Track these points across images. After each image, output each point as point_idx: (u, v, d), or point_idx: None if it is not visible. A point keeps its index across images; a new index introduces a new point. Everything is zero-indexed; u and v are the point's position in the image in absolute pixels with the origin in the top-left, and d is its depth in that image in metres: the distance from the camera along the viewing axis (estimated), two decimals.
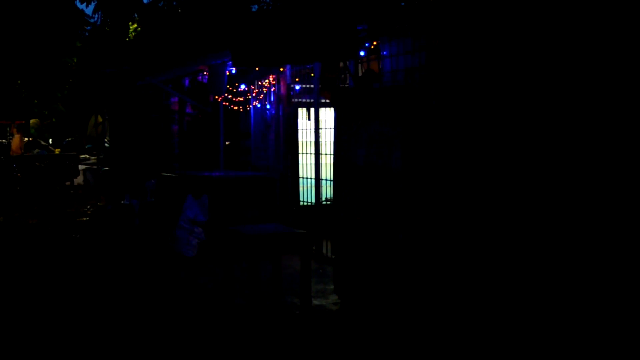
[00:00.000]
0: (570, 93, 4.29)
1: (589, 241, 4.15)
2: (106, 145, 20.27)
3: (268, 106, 9.69)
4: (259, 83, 9.84)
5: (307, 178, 8.96)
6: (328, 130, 8.24)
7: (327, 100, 8.33)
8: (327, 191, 8.54)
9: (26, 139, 22.72)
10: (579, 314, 4.19)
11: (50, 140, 31.50)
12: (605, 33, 4.12)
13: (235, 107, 10.44)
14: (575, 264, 4.22)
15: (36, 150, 20.99)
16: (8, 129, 21.15)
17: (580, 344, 4.16)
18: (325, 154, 8.32)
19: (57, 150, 24.66)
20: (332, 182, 7.96)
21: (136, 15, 19.54)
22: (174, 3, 17.85)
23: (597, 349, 4.06)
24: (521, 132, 4.62)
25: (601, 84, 4.13)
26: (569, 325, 4.23)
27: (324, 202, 8.39)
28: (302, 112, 9.32)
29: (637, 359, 3.89)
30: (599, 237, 4.10)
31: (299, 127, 9.26)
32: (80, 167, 18.17)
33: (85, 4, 19.43)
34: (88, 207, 13.41)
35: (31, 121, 25.32)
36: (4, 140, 22.49)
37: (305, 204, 9.06)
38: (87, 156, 22.58)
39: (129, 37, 20.30)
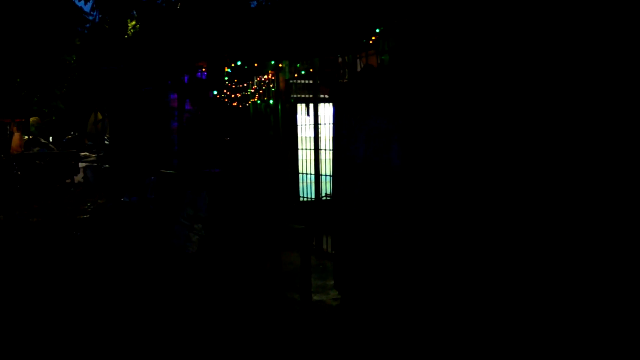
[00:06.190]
0: (567, 90, 4.29)
1: (591, 237, 4.15)
2: (106, 142, 20.28)
3: (269, 102, 9.68)
4: (258, 79, 9.82)
5: (306, 174, 8.95)
6: (327, 125, 8.23)
7: (326, 96, 8.32)
8: (326, 187, 8.53)
9: (26, 137, 22.72)
10: (578, 311, 4.19)
11: (51, 138, 31.51)
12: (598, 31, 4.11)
13: (235, 103, 10.43)
14: (576, 256, 4.22)
15: (36, 149, 20.98)
16: (8, 127, 21.15)
17: (579, 342, 4.16)
18: (325, 150, 8.31)
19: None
20: (331, 178, 7.95)
21: (135, 12, 19.54)
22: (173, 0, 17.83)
23: (596, 348, 4.07)
24: (518, 129, 4.61)
25: (599, 82, 4.12)
26: (568, 321, 4.24)
27: (324, 198, 8.39)
28: (301, 107, 9.30)
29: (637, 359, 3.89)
30: (600, 235, 4.10)
31: (298, 123, 9.25)
32: (81, 164, 18.18)
33: (83, 1, 19.46)
34: (88, 204, 13.41)
35: (31, 119, 25.30)
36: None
37: (305, 199, 9.05)
38: (87, 154, 22.59)
39: (127, 34, 20.29)
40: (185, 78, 12.03)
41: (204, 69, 10.92)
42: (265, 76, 9.57)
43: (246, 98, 10.26)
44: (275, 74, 9.33)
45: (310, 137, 8.67)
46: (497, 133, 4.81)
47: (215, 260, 7.60)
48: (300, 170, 9.16)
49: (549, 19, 4.45)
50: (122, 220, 10.15)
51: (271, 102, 9.45)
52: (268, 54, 8.57)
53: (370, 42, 6.84)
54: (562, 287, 4.29)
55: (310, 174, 8.63)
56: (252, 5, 16.56)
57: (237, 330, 5.31)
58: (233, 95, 10.32)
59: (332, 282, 6.32)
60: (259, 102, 9.94)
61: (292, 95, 9.25)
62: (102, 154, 19.25)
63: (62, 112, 27.42)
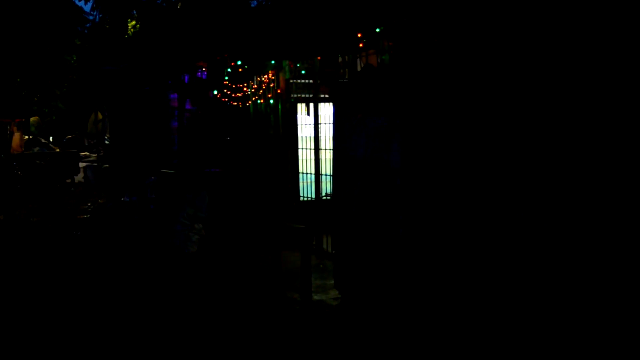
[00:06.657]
0: (565, 89, 4.28)
1: (587, 239, 4.15)
2: (106, 142, 20.28)
3: (269, 102, 9.68)
4: (258, 78, 9.82)
5: (306, 173, 8.95)
6: (327, 125, 8.24)
7: (326, 95, 8.32)
8: (327, 186, 8.53)
9: (26, 136, 22.72)
10: (579, 310, 4.19)
11: (51, 138, 31.50)
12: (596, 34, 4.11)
13: (235, 103, 10.43)
14: (573, 254, 4.22)
15: (36, 148, 20.97)
16: (8, 127, 21.15)
17: (580, 343, 4.16)
18: (325, 149, 8.32)
19: (56, 149, 24.66)
20: (331, 178, 7.95)
21: (135, 12, 19.55)
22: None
23: (597, 349, 4.06)
24: (516, 128, 4.61)
25: (601, 81, 4.12)
26: (567, 321, 4.23)
27: (324, 198, 8.39)
28: (301, 107, 9.31)
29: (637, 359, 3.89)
30: (598, 233, 4.10)
31: (299, 123, 9.25)
32: (81, 164, 18.18)
33: (83, 1, 19.53)
34: (88, 204, 13.41)
35: (31, 119, 25.30)
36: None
37: (305, 199, 9.05)
38: (88, 153, 22.58)
39: (128, 34, 20.29)
40: (186, 78, 12.03)
41: (204, 69, 10.93)
42: (265, 76, 9.57)
43: (246, 98, 10.26)
44: (275, 74, 9.33)
45: (310, 137, 8.67)
46: (495, 133, 4.81)
47: (215, 260, 7.60)
48: (300, 169, 9.16)
49: (544, 23, 4.45)
50: (122, 220, 10.14)
51: (271, 101, 9.44)
52: (268, 53, 8.57)
53: (371, 41, 6.84)
54: (561, 285, 4.29)
55: (311, 173, 8.63)
56: (252, 5, 16.57)
57: (237, 330, 5.31)
58: (233, 95, 10.32)
59: (332, 282, 6.32)
60: (259, 102, 9.94)
61: (292, 95, 9.25)
62: (102, 153, 19.25)
63: (62, 112, 27.42)
